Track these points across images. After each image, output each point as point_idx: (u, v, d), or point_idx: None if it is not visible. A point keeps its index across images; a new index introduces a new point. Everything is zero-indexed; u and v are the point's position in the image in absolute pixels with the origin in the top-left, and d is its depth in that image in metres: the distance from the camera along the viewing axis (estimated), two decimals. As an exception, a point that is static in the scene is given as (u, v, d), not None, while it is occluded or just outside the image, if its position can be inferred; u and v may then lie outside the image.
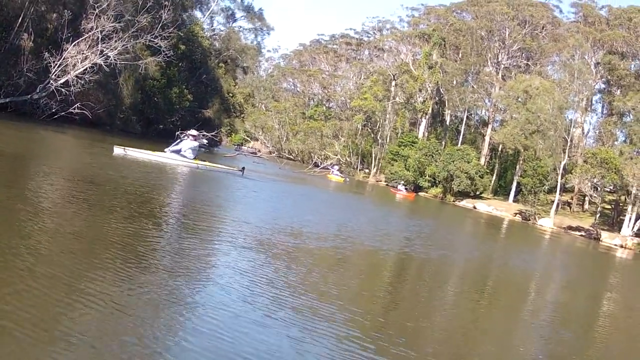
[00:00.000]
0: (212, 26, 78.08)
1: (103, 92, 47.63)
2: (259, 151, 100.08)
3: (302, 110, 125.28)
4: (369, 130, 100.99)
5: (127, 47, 43.09)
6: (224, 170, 34.38)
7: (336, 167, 77.89)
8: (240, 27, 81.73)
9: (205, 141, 35.39)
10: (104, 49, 41.53)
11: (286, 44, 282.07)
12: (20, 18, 40.56)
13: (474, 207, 72.62)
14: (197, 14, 72.47)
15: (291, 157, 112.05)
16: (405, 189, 72.20)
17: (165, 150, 31.28)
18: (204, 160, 33.47)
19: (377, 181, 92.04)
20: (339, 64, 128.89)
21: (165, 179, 25.27)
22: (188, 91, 60.13)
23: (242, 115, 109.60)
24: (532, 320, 14.12)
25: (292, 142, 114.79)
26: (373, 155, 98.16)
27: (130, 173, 22.77)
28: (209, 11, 74.58)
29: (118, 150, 27.81)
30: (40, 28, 42.63)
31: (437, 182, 78.48)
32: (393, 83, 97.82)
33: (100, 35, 41.20)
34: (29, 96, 39.87)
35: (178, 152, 31.44)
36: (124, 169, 23.26)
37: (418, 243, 23.58)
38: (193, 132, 33.31)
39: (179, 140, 32.55)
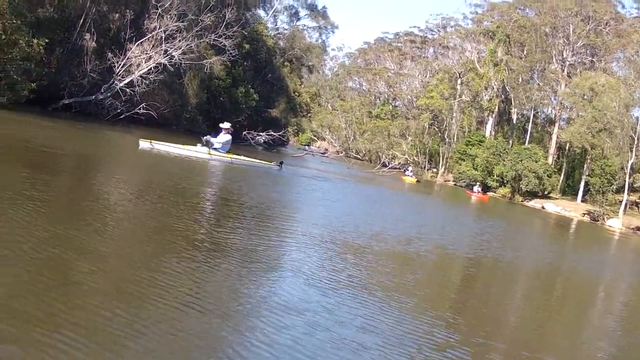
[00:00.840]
0: (276, 25, 77.71)
1: (168, 92, 47.18)
2: (326, 150, 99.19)
3: (368, 109, 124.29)
4: (436, 129, 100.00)
5: (191, 46, 42.37)
6: (260, 165, 32.61)
7: (410, 168, 76.84)
8: (305, 25, 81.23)
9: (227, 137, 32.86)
10: (168, 49, 40.91)
11: (350, 43, 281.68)
12: (82, 18, 40.03)
13: (543, 207, 71.01)
14: (261, 12, 71.98)
15: (358, 156, 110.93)
16: (481, 190, 70.24)
17: (202, 138, 29.91)
18: (239, 155, 32.03)
19: (445, 181, 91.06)
20: (404, 62, 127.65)
21: (213, 175, 24.87)
22: (254, 90, 59.39)
23: (309, 115, 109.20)
24: (602, 322, 13.63)
25: (359, 142, 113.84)
26: (440, 154, 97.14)
27: (172, 169, 22.18)
28: (273, 10, 74.01)
29: (144, 144, 26.56)
30: (103, 28, 42.11)
31: (505, 181, 77.03)
32: (459, 81, 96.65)
33: (163, 35, 40.61)
34: (93, 97, 39.36)
35: (211, 144, 30.00)
36: (162, 165, 22.43)
37: (492, 245, 22.74)
38: (226, 124, 31.77)
39: (215, 135, 31.20)
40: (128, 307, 6.76)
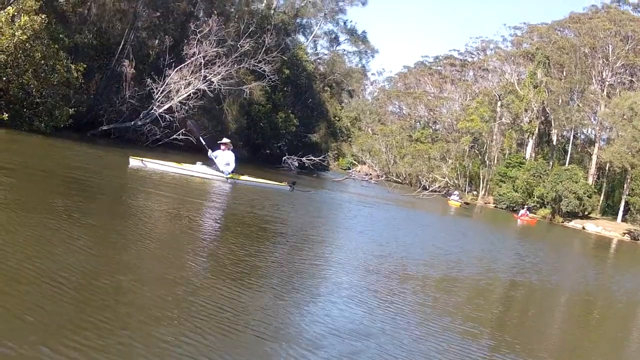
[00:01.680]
0: (316, 50, 77.09)
1: (208, 117, 46.75)
2: (369, 174, 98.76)
3: (408, 132, 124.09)
4: (476, 152, 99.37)
5: (230, 72, 41.73)
6: (269, 186, 29.96)
7: (456, 192, 76.11)
8: (344, 50, 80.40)
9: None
10: (207, 75, 40.36)
11: (391, 67, 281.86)
12: (121, 45, 39.80)
13: (583, 228, 70.25)
14: (301, 38, 71.48)
15: (399, 180, 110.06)
16: (528, 213, 67.55)
17: (209, 153, 27.25)
18: (243, 174, 28.83)
19: (485, 203, 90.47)
20: (444, 85, 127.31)
21: (228, 197, 23.15)
22: (294, 116, 58.78)
23: (349, 139, 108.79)
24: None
25: (399, 166, 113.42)
26: (481, 177, 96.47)
27: (174, 191, 20.76)
28: (312, 35, 73.36)
29: (134, 162, 23.91)
30: (142, 54, 41.73)
31: (545, 203, 76.19)
32: (499, 103, 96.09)
33: (202, 61, 40.04)
34: (132, 123, 38.94)
35: (213, 164, 26.87)
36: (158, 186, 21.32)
37: (538, 267, 22.08)
38: (225, 140, 28.40)
39: (214, 152, 27.62)
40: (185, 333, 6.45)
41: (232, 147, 28.05)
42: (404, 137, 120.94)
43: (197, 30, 40.55)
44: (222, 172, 26.70)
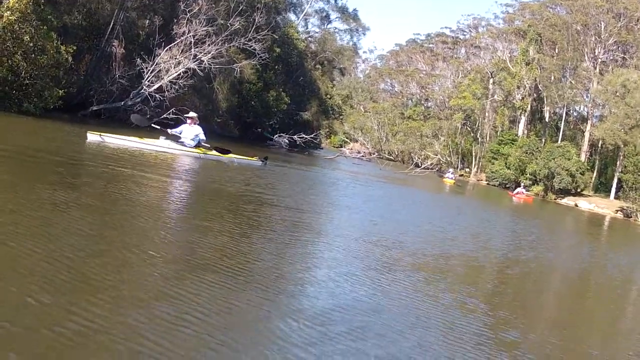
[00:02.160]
0: (307, 28, 77.08)
1: (198, 96, 46.98)
2: (361, 152, 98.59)
3: (400, 110, 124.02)
4: (469, 129, 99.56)
5: (220, 51, 41.72)
6: (240, 161, 28.76)
7: (450, 170, 76.17)
8: (336, 28, 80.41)
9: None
10: (197, 54, 40.37)
11: (382, 44, 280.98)
12: (111, 25, 39.74)
13: (576, 205, 70.29)
14: (291, 16, 71.40)
15: (391, 157, 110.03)
16: (524, 191, 68.09)
17: (169, 131, 26.30)
18: (211, 149, 27.57)
19: (477, 180, 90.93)
20: (436, 63, 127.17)
21: (201, 172, 22.66)
22: (285, 94, 58.81)
23: (341, 117, 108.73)
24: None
25: (391, 143, 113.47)
26: (473, 154, 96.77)
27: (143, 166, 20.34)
28: (303, 13, 73.40)
29: (93, 137, 22.64)
30: (131, 35, 41.75)
31: (538, 180, 76.34)
32: (491, 81, 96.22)
33: (192, 40, 40.04)
34: (122, 103, 39.02)
35: (178, 138, 26.23)
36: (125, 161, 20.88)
37: (532, 246, 22.33)
38: (191, 114, 27.98)
39: (179, 126, 27.61)
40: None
41: (198, 122, 27.54)
42: (396, 115, 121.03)
43: (187, 10, 40.66)
44: (186, 145, 26.13)
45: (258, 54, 46.24)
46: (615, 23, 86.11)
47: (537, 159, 77.27)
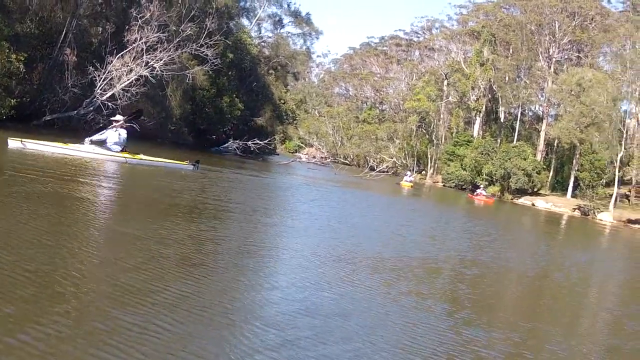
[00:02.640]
0: (259, 33, 76.82)
1: (151, 104, 46.67)
2: (316, 157, 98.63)
3: (355, 114, 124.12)
4: (424, 132, 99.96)
5: (173, 57, 41.57)
6: (170, 166, 28.04)
7: (408, 173, 76.12)
8: (288, 32, 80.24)
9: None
10: (149, 61, 40.23)
11: (336, 49, 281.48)
12: (63, 34, 39.46)
13: (533, 205, 71.24)
14: (244, 21, 71.27)
15: (347, 162, 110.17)
16: (485, 193, 67.72)
17: (85, 140, 24.77)
18: (139, 153, 26.64)
19: (434, 182, 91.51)
20: (390, 65, 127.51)
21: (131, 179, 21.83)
22: (239, 100, 58.65)
23: (295, 122, 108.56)
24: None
25: (347, 147, 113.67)
26: (429, 156, 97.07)
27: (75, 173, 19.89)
28: (256, 18, 73.19)
29: (14, 144, 21.83)
30: (84, 42, 41.41)
31: (494, 180, 76.89)
32: (445, 82, 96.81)
33: (144, 47, 39.86)
34: (75, 112, 38.76)
35: (103, 143, 25.33)
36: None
37: (490, 246, 22.43)
38: (117, 117, 27.44)
39: (104, 131, 26.47)
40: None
41: (125, 125, 26.71)
42: (351, 119, 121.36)
43: (139, 16, 40.55)
44: (112, 150, 25.36)
45: (210, 60, 46.25)
46: (569, 22, 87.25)
47: (492, 159, 77.89)
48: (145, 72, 39.70)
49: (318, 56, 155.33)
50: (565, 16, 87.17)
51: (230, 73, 59.30)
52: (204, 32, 45.60)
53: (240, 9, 68.20)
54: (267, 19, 76.59)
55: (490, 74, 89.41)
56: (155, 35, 40.08)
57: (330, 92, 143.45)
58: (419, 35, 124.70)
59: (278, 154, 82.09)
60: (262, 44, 74.32)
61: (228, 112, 56.97)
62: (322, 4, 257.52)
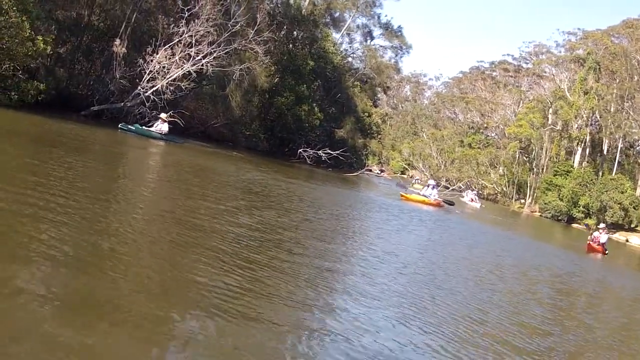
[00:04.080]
0: (350, 44, 76.00)
1: (211, 103, 46.38)
2: (382, 171, 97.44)
3: (460, 138, 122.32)
4: (525, 159, 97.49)
5: (220, 53, 40.57)
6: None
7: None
8: (378, 45, 78.81)
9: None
10: (195, 55, 39.28)
11: (448, 72, 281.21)
12: (123, 26, 39.03)
13: (627, 241, 67.73)
14: (334, 33, 70.29)
15: (447, 184, 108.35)
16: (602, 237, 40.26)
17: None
18: None
19: (531, 212, 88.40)
20: (497, 91, 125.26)
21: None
22: (318, 109, 57.49)
23: (379, 136, 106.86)
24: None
25: (448, 170, 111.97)
26: (528, 184, 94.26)
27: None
28: (344, 28, 72.00)
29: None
30: (136, 36, 40.92)
31: (590, 213, 73.92)
32: (550, 110, 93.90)
33: (193, 41, 39.02)
34: (122, 103, 38.21)
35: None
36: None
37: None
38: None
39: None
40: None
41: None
42: (456, 142, 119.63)
43: (186, 9, 39.60)
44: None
45: (261, 58, 45.54)
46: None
47: (590, 191, 74.84)
48: (189, 67, 38.75)
49: (430, 79, 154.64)
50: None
51: (314, 82, 58.38)
52: (255, 28, 44.29)
53: (331, 18, 67.51)
54: (356, 29, 75.50)
55: (593, 103, 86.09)
56: (203, 28, 39.12)
57: (440, 116, 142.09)
58: (527, 61, 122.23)
59: (371, 172, 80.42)
60: (353, 55, 73.50)
61: (306, 120, 55.70)
62: (434, 27, 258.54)
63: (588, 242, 37.73)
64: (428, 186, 48.31)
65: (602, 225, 41.23)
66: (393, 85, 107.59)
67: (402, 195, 43.39)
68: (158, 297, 7.91)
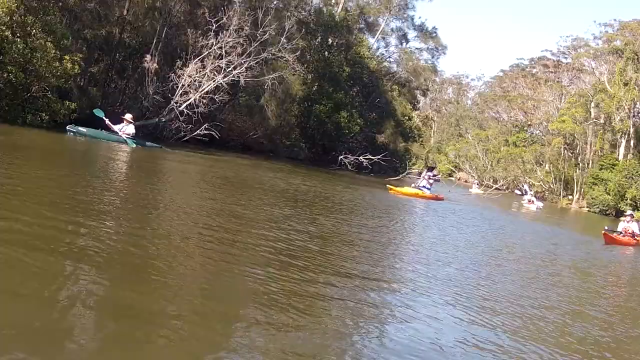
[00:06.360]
0: (386, 48, 75.22)
1: (248, 114, 46.15)
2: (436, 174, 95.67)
3: (505, 137, 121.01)
4: (570, 155, 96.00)
5: (251, 64, 40.24)
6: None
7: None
8: (413, 47, 77.82)
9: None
10: (225, 67, 38.91)
11: (489, 71, 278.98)
12: (154, 42, 38.93)
13: (673, 230, 65.98)
14: (369, 38, 69.65)
15: (492, 185, 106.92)
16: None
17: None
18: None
19: (579, 207, 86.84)
20: (538, 87, 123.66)
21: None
22: (358, 115, 56.83)
23: (421, 140, 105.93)
24: None
25: (494, 170, 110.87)
26: (575, 180, 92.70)
27: None
28: (379, 32, 71.22)
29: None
30: (167, 50, 40.76)
31: (638, 205, 72.20)
32: (592, 104, 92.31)
33: (223, 52, 38.72)
34: (157, 119, 37.95)
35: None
36: None
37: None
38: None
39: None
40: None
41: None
42: (501, 142, 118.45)
43: (214, 21, 39.27)
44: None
45: (291, 65, 45.15)
46: None
47: (636, 183, 73.15)
48: (221, 79, 38.36)
49: (472, 79, 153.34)
50: None
51: (352, 89, 57.99)
52: (284, 36, 43.66)
53: (365, 23, 66.91)
54: (391, 33, 74.72)
55: (634, 94, 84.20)
56: (232, 39, 38.75)
57: (484, 116, 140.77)
58: (565, 56, 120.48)
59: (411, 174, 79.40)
60: (386, 58, 72.79)
61: (346, 127, 55.02)
62: (471, 26, 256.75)
63: (603, 232, 32.83)
64: (424, 177, 40.21)
65: (628, 212, 37.33)
66: (435, 88, 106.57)
67: (390, 189, 37.71)
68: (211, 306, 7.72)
